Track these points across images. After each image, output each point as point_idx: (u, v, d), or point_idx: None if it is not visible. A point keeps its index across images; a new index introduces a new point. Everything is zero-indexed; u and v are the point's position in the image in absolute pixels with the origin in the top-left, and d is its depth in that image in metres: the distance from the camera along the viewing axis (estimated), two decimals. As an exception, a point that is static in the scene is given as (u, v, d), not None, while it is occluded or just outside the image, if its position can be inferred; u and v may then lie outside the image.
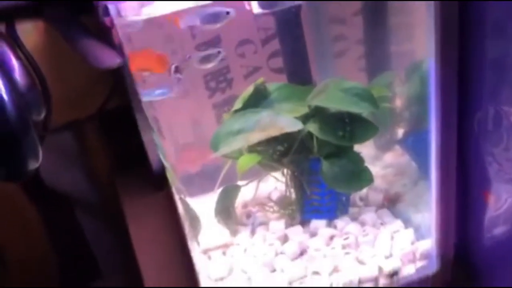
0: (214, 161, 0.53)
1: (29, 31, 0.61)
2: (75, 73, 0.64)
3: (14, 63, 0.48)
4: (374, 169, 0.52)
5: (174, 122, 0.56)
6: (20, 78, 0.47)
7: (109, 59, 0.54)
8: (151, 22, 0.42)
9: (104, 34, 0.49)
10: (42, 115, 0.50)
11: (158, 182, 0.59)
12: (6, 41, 0.49)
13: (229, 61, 0.56)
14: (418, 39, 0.46)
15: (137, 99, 0.50)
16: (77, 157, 0.73)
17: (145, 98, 0.47)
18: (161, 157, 0.53)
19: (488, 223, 0.48)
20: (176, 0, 0.40)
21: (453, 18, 0.39)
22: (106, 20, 0.49)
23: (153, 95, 0.48)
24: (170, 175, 0.51)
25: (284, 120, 0.44)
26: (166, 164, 0.52)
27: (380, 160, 0.56)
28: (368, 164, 0.50)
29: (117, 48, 0.50)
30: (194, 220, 0.52)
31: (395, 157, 0.56)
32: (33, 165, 0.42)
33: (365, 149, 0.51)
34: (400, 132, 0.54)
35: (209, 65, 0.50)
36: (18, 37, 0.58)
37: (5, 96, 0.40)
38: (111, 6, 0.39)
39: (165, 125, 0.54)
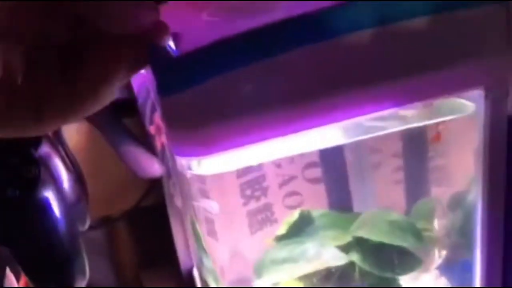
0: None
1: (73, 132, 0.62)
2: (112, 172, 0.65)
3: (64, 174, 0.49)
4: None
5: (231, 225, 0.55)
6: (70, 193, 0.48)
7: (151, 168, 0.56)
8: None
9: (147, 139, 0.51)
10: (87, 225, 0.50)
11: (186, 283, 0.59)
12: (57, 151, 0.51)
13: (265, 170, 0.57)
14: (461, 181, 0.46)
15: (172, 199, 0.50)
16: (105, 250, 0.73)
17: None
18: (205, 261, 0.52)
19: None
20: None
21: (501, 169, 0.40)
22: (151, 128, 0.51)
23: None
24: (217, 281, 0.50)
25: (329, 253, 0.45)
26: (213, 268, 0.51)
27: (417, 281, 0.55)
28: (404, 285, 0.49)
29: (159, 155, 0.52)
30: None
31: (434, 278, 0.55)
32: (81, 283, 0.42)
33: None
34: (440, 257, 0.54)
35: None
36: (64, 141, 0.59)
37: (59, 217, 0.41)
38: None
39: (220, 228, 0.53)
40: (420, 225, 0.46)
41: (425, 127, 0.45)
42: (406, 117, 0.37)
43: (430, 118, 0.38)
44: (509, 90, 0.36)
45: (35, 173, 0.39)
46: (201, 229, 0.48)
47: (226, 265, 0.48)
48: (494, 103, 0.36)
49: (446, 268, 0.53)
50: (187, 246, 0.60)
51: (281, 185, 0.58)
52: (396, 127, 0.38)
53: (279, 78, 0.33)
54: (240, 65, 0.32)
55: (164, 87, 0.31)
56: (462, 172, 0.44)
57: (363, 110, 0.35)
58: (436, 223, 0.51)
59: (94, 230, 0.69)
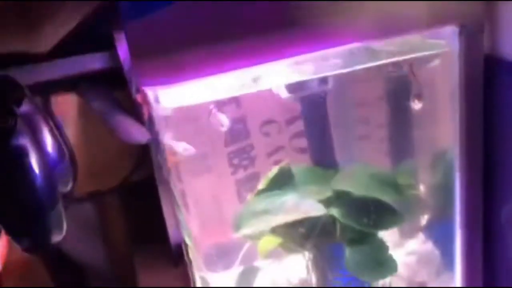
0: (233, 239, 0.52)
1: (62, 104, 0.63)
2: (102, 145, 0.65)
3: (47, 135, 0.49)
4: (397, 256, 0.51)
5: (199, 197, 0.56)
6: (51, 151, 0.48)
7: (138, 135, 0.56)
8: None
9: (135, 109, 0.51)
10: (69, 187, 0.51)
11: (175, 257, 0.59)
12: (41, 114, 0.51)
13: (253, 140, 0.57)
14: (443, 126, 0.46)
15: (162, 173, 0.51)
16: (96, 227, 0.73)
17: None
18: (184, 233, 0.53)
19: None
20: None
21: (478, 105, 0.39)
22: (138, 96, 0.51)
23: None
24: (192, 252, 0.51)
25: (307, 204, 0.44)
26: (188, 240, 0.52)
27: (403, 247, 0.55)
28: (390, 250, 0.49)
29: (147, 124, 0.52)
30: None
31: (419, 244, 0.55)
32: (56, 238, 0.42)
33: (388, 235, 0.50)
34: (424, 219, 0.54)
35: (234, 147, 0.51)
36: (51, 110, 0.60)
37: (35, 169, 0.41)
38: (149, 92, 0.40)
39: (191, 200, 0.54)
40: (402, 180, 0.46)
41: (407, 82, 0.45)
42: (379, 52, 0.37)
43: (403, 55, 0.38)
44: (485, 26, 0.36)
45: (11, 124, 0.39)
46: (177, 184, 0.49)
47: (204, 225, 0.48)
48: (468, 40, 0.35)
49: (430, 231, 0.53)
50: (176, 220, 0.60)
51: (269, 154, 0.58)
52: (369, 63, 0.38)
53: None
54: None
55: (129, 12, 0.32)
56: (443, 123, 0.44)
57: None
58: (419, 182, 0.50)
59: (83, 203, 0.69)
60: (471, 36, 0.35)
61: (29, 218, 0.40)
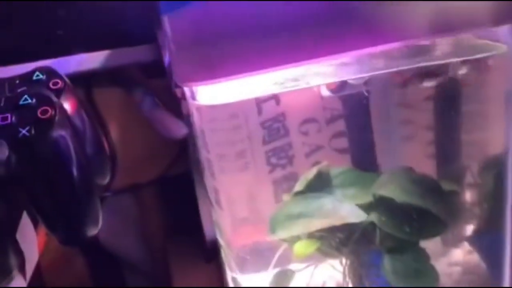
0: (268, 241, 0.51)
1: (105, 96, 0.64)
2: (141, 139, 0.65)
3: (87, 128, 0.49)
4: (439, 266, 0.48)
5: (233, 195, 0.56)
6: (90, 143, 0.48)
7: (176, 129, 0.56)
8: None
9: (175, 103, 0.51)
10: (107, 180, 0.51)
11: (209, 253, 0.59)
12: (82, 105, 0.52)
13: (292, 138, 0.56)
14: (494, 130, 0.44)
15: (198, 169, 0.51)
16: (132, 219, 0.74)
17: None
18: (216, 230, 0.52)
19: None
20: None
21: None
22: (177, 91, 0.51)
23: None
24: (224, 251, 0.50)
25: (347, 209, 0.43)
26: (220, 238, 0.52)
27: (446, 256, 0.53)
28: (432, 260, 0.47)
29: (185, 118, 0.52)
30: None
31: (464, 255, 0.52)
32: (92, 231, 0.42)
33: (429, 243, 0.48)
34: (469, 228, 0.51)
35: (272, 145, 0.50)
36: (94, 102, 0.61)
37: (73, 162, 0.41)
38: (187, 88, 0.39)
39: (224, 198, 0.53)
40: (446, 186, 0.43)
41: (457, 81, 0.42)
42: (427, 52, 0.35)
43: (454, 56, 0.35)
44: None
45: (51, 115, 0.40)
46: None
47: (237, 224, 0.48)
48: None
49: (477, 242, 0.50)
50: (211, 217, 0.60)
51: (308, 154, 0.57)
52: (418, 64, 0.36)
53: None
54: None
55: (167, 5, 0.31)
56: (495, 127, 0.41)
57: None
58: (465, 189, 0.48)
59: (121, 195, 0.70)
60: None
61: (65, 210, 0.40)
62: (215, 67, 0.32)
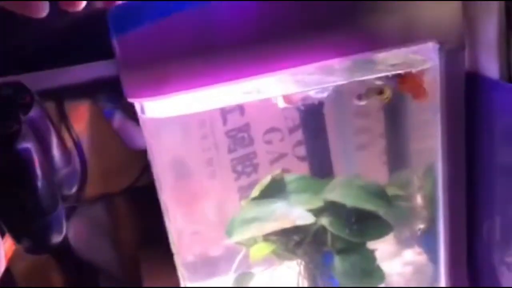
0: (224, 246, 0.53)
1: (76, 110, 0.66)
2: (112, 149, 0.68)
3: (53, 140, 0.51)
4: (393, 265, 0.51)
5: (179, 207, 0.57)
6: (57, 154, 0.50)
7: (139, 141, 0.58)
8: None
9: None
10: (74, 190, 0.53)
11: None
12: (49, 119, 0.54)
13: (256, 147, 0.58)
14: (430, 139, 0.47)
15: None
16: (105, 227, 0.76)
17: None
18: (170, 240, 0.54)
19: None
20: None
21: (460, 121, 0.39)
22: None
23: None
24: (176, 260, 0.52)
25: (296, 212, 0.45)
26: (172, 247, 0.53)
27: (400, 256, 0.55)
28: (387, 260, 0.49)
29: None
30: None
31: (414, 255, 0.55)
32: (56, 240, 0.44)
33: (384, 244, 0.50)
34: (417, 230, 0.54)
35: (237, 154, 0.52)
36: (65, 115, 0.63)
37: (38, 173, 0.43)
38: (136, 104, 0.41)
39: (171, 209, 0.54)
40: (392, 191, 0.46)
41: (400, 95, 0.45)
42: (377, 64, 0.38)
43: (396, 69, 0.38)
44: (465, 44, 0.36)
45: (15, 129, 0.42)
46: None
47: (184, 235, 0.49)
48: (449, 58, 0.36)
49: (423, 242, 0.53)
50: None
51: (272, 162, 0.59)
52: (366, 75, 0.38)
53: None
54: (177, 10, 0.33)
55: (119, 26, 0.33)
56: (430, 136, 0.44)
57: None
58: (412, 193, 0.51)
59: (94, 204, 0.72)
60: (451, 53, 0.36)
61: (29, 220, 0.42)
62: (165, 83, 0.34)
